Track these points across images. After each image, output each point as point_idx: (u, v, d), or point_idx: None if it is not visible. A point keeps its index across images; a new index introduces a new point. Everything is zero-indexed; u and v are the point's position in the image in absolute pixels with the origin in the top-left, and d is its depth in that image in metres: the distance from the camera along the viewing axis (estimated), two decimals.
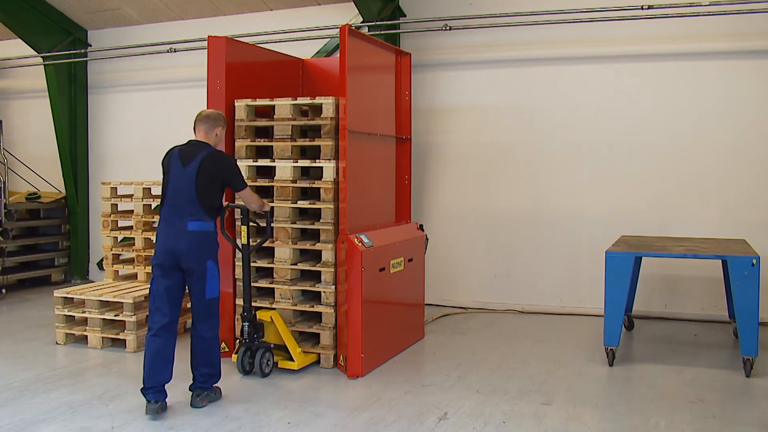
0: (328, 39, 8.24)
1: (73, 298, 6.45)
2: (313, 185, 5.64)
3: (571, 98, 7.54)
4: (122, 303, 6.22)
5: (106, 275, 7.26)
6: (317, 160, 5.61)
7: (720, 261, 6.36)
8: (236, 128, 5.81)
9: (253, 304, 5.48)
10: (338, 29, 6.19)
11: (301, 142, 5.68)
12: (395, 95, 6.54)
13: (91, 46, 9.93)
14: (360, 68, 5.78)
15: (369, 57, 6.07)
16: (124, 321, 6.19)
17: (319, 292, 5.63)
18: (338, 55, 5.79)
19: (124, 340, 6.20)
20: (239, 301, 5.71)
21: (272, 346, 5.42)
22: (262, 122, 5.82)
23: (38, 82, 9.98)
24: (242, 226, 5.28)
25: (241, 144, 5.82)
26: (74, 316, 6.45)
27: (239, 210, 5.42)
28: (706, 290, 7.12)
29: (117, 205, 7.29)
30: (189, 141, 4.77)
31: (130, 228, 7.15)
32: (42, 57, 9.55)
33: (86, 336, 6.33)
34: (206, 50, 5.74)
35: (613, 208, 7.41)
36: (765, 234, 6.84)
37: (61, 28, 9.63)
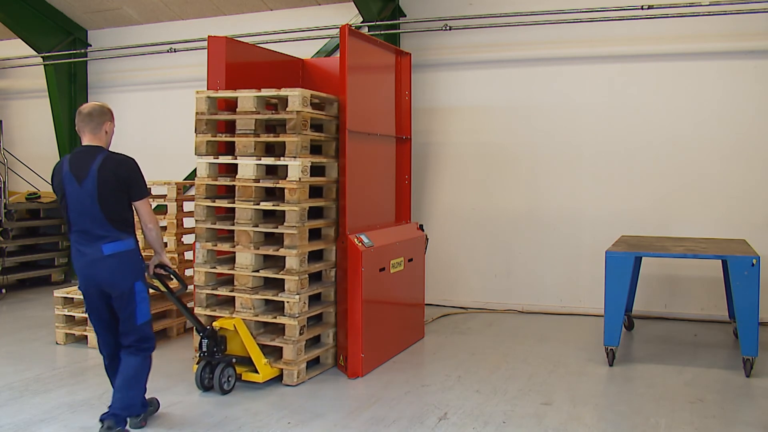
0: (328, 39, 8.24)
1: (73, 298, 6.45)
2: (277, 185, 5.17)
3: (571, 98, 7.54)
4: None
5: None
6: (281, 158, 5.15)
7: (720, 261, 6.36)
8: (196, 122, 5.36)
9: (212, 313, 5.27)
10: (338, 29, 6.19)
11: (265, 138, 5.20)
12: (395, 95, 6.54)
13: (91, 46, 9.93)
14: (360, 68, 5.78)
15: (369, 57, 6.07)
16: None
17: (283, 303, 5.18)
18: (338, 55, 5.79)
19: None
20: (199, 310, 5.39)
21: (234, 360, 5.04)
22: (224, 116, 5.37)
23: (38, 82, 9.98)
24: (153, 280, 4.58)
25: (201, 139, 5.35)
26: (74, 316, 6.45)
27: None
28: (706, 290, 7.12)
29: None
30: (76, 149, 4.14)
31: None
32: (42, 57, 9.55)
33: (86, 336, 6.33)
34: (206, 50, 5.74)
35: (613, 208, 7.41)
36: (765, 234, 6.84)
37: (61, 28, 9.64)
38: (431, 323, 7.12)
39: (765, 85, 6.90)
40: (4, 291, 8.71)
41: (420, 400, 4.88)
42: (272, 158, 5.20)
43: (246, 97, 5.23)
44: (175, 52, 8.99)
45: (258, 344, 5.12)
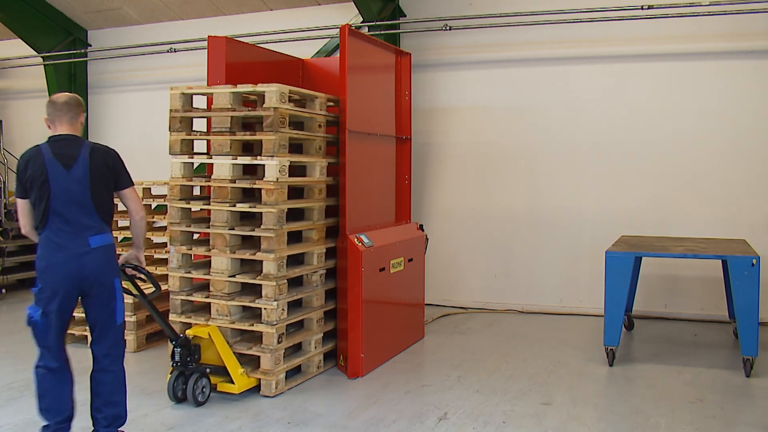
0: (328, 39, 8.24)
1: None
2: (254, 185, 4.92)
3: (571, 98, 7.54)
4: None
5: None
6: (259, 157, 4.89)
7: (720, 261, 6.36)
8: (170, 119, 5.13)
9: (187, 320, 5.07)
10: (338, 29, 6.19)
11: (241, 136, 4.95)
12: (395, 95, 6.54)
13: (91, 46, 9.93)
14: (360, 68, 5.78)
15: (369, 57, 6.07)
16: (124, 321, 6.17)
17: (261, 309, 4.93)
18: (338, 55, 5.79)
19: (124, 340, 6.17)
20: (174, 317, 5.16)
21: (208, 370, 4.80)
22: (198, 113, 5.14)
23: (38, 82, 9.98)
24: (128, 283, 4.37)
25: (175, 138, 5.11)
26: (74, 316, 6.44)
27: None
28: (706, 290, 7.12)
29: (117, 205, 7.26)
30: (53, 137, 3.88)
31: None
32: (42, 57, 9.56)
33: (86, 336, 6.33)
34: (206, 50, 5.74)
35: (613, 208, 7.41)
36: (765, 234, 6.84)
37: (61, 28, 9.64)
38: (431, 323, 7.12)
39: (765, 84, 6.90)
40: (4, 291, 8.71)
41: (420, 400, 4.88)
42: (249, 157, 4.95)
43: (221, 93, 4.98)
44: (175, 52, 8.99)
45: (235, 353, 4.90)
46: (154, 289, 4.51)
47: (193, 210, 5.39)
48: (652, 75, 7.26)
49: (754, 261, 5.21)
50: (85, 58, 9.76)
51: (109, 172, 3.92)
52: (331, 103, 5.68)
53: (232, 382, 4.79)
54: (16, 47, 9.91)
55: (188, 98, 5.17)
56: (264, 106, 4.90)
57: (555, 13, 7.27)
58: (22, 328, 7.06)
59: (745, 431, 4.33)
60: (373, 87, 6.20)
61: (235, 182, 4.96)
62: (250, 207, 4.92)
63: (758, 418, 4.52)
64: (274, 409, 4.67)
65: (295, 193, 5.36)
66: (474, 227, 7.98)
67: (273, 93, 4.85)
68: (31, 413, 4.61)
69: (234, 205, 4.96)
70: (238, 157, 4.96)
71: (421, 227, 6.68)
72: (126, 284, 4.28)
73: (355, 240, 5.40)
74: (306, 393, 5.03)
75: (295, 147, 5.34)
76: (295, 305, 5.28)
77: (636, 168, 7.33)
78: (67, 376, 3.88)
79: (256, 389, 4.92)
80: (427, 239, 6.67)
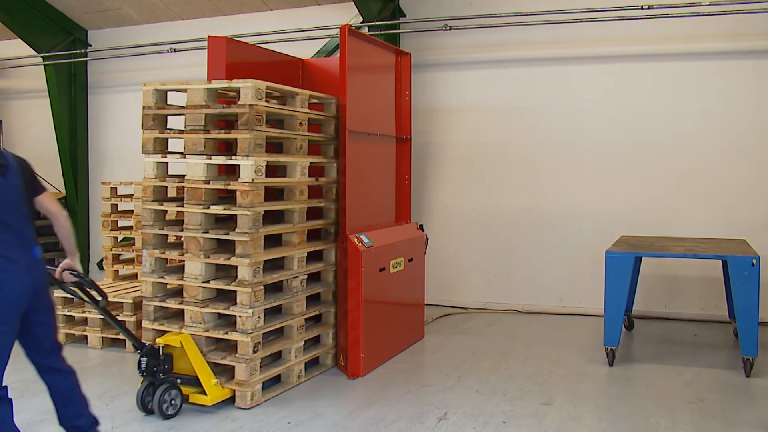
0: (328, 39, 8.24)
1: (72, 298, 6.44)
2: (228, 186, 4.70)
3: (571, 98, 7.54)
4: (122, 303, 6.21)
5: (106, 275, 7.25)
6: (233, 157, 4.68)
7: (720, 261, 6.36)
8: (143, 117, 4.94)
9: (160, 327, 4.87)
10: (338, 29, 6.19)
11: (215, 135, 4.74)
12: (395, 95, 6.54)
13: (91, 46, 9.93)
14: (360, 68, 5.78)
15: (369, 57, 6.07)
16: (124, 321, 6.18)
17: (236, 317, 4.72)
18: (338, 55, 5.79)
19: (124, 340, 6.20)
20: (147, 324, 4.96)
21: (179, 381, 4.58)
22: (172, 110, 4.95)
23: (38, 82, 9.98)
24: (74, 288, 4.13)
25: (148, 136, 4.90)
26: (74, 316, 6.45)
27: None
28: (706, 290, 7.11)
29: (117, 205, 7.28)
30: None
31: (130, 228, 7.15)
32: (42, 57, 9.55)
33: (86, 336, 6.33)
34: (206, 50, 5.73)
35: (613, 208, 7.41)
36: (765, 234, 6.84)
37: (61, 28, 9.64)
38: (431, 323, 7.12)
39: (764, 84, 6.90)
40: None
41: (420, 400, 4.88)
42: (223, 157, 4.75)
43: (195, 90, 4.77)
44: (175, 52, 8.99)
45: (209, 362, 4.69)
46: (99, 297, 4.20)
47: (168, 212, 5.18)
48: (652, 75, 7.26)
49: (754, 261, 5.21)
50: (85, 58, 9.76)
51: (30, 178, 3.70)
52: (315, 101, 5.53)
53: (206, 393, 4.58)
54: (16, 47, 9.91)
55: (162, 95, 4.98)
56: (239, 102, 4.67)
57: (555, 13, 7.27)
58: None
59: (745, 431, 4.33)
60: (373, 87, 6.20)
61: (209, 183, 4.73)
62: (224, 209, 4.70)
63: (758, 418, 4.52)
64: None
65: (278, 194, 5.20)
66: (474, 227, 7.98)
67: (248, 89, 4.62)
68: (31, 413, 4.62)
69: (208, 207, 4.73)
70: (213, 157, 4.74)
71: (421, 227, 6.68)
72: (76, 290, 4.05)
73: (355, 240, 5.40)
74: (306, 392, 5.02)
75: (278, 147, 5.22)
76: (275, 312, 5.11)
77: (636, 168, 7.33)
78: (10, 404, 3.62)
79: (231, 401, 4.72)
80: (427, 239, 6.67)
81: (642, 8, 6.94)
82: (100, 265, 9.55)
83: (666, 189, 7.25)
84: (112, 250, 7.20)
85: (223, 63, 5.68)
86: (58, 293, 6.47)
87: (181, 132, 4.84)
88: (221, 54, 5.69)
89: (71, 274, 3.83)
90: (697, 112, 7.13)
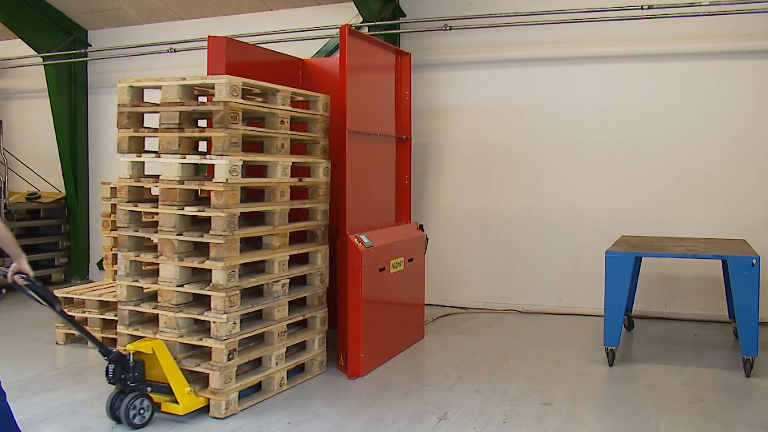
0: (328, 39, 8.24)
1: (73, 298, 6.45)
2: (202, 187, 4.54)
3: (571, 98, 7.54)
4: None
5: (106, 275, 7.25)
6: (207, 156, 4.52)
7: (720, 261, 6.36)
8: (118, 115, 4.78)
9: (135, 333, 4.71)
10: (338, 29, 6.19)
11: (189, 133, 4.57)
12: (395, 95, 6.54)
13: (91, 46, 9.93)
14: (360, 68, 5.78)
15: (369, 57, 6.07)
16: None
17: (210, 323, 4.52)
18: (338, 55, 5.79)
19: None
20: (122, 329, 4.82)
21: (149, 389, 4.41)
22: (146, 107, 4.76)
23: (38, 82, 9.98)
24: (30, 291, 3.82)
25: (122, 135, 4.75)
26: (74, 316, 6.44)
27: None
28: (706, 290, 7.12)
29: (117, 205, 7.27)
30: None
31: None
32: (42, 57, 9.55)
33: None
34: (206, 50, 5.73)
35: (613, 208, 7.41)
36: (765, 234, 6.84)
37: (61, 28, 9.64)
38: (431, 323, 7.12)
39: (764, 84, 6.90)
40: (4, 291, 8.71)
41: (420, 400, 4.88)
42: (197, 156, 4.58)
43: (169, 86, 4.60)
44: (175, 52, 8.99)
45: (183, 370, 4.51)
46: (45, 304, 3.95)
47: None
48: (652, 75, 7.26)
49: (754, 261, 5.21)
50: (85, 58, 9.76)
51: None
52: (301, 98, 5.35)
53: (178, 402, 4.40)
54: (16, 47, 9.91)
55: (137, 91, 4.80)
56: (213, 99, 4.50)
57: (555, 13, 7.27)
58: (22, 328, 7.10)
59: (745, 431, 4.33)
60: (373, 87, 6.20)
61: (183, 183, 4.56)
62: (198, 211, 4.53)
63: (758, 418, 4.52)
64: (274, 409, 4.65)
65: (263, 195, 5.02)
66: (474, 227, 7.98)
67: (223, 86, 4.45)
68: (30, 413, 4.62)
69: (182, 209, 4.56)
70: (187, 156, 4.57)
71: (421, 227, 6.68)
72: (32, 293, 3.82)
73: (355, 240, 5.40)
74: (306, 392, 5.02)
75: (262, 146, 5.06)
76: (256, 317, 4.96)
77: (636, 168, 7.34)
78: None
79: (206, 410, 4.53)
80: (427, 239, 6.67)
81: (642, 8, 6.94)
82: (100, 265, 9.56)
83: (666, 189, 7.25)
84: (112, 250, 7.19)
85: (223, 63, 5.68)
86: (58, 292, 6.48)
87: (155, 130, 4.69)
88: (221, 54, 5.69)
89: (21, 277, 3.67)
90: (697, 112, 7.13)
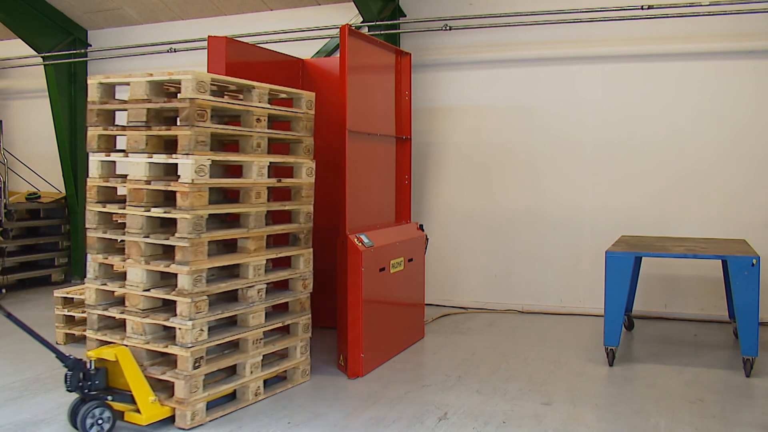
0: (328, 39, 8.24)
1: (73, 298, 6.45)
2: (168, 187, 4.33)
3: (571, 98, 7.54)
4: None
5: None
6: (174, 155, 4.31)
7: (720, 261, 6.36)
8: (88, 113, 4.63)
9: (103, 338, 4.55)
10: (338, 29, 6.19)
11: (156, 131, 4.39)
12: (395, 95, 6.54)
13: (91, 46, 9.93)
14: (360, 68, 5.78)
15: (369, 57, 6.07)
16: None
17: (176, 329, 4.32)
18: (338, 55, 5.79)
19: None
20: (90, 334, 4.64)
21: (109, 398, 4.24)
22: (115, 104, 4.61)
23: (38, 82, 9.98)
24: None
25: (92, 133, 4.60)
26: (74, 316, 6.45)
27: None
28: (706, 290, 7.12)
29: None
30: None
31: None
32: (42, 57, 9.55)
33: (86, 336, 6.32)
34: (206, 50, 5.74)
35: (614, 207, 7.41)
36: (765, 234, 6.84)
37: (61, 28, 9.64)
38: (431, 323, 7.12)
39: (764, 84, 6.91)
40: (4, 291, 8.71)
41: (420, 400, 4.88)
42: (164, 156, 4.38)
43: (137, 83, 4.44)
44: (175, 52, 8.99)
45: (150, 378, 4.34)
46: None
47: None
48: (651, 75, 7.26)
49: (754, 261, 5.22)
50: (85, 58, 9.76)
51: None
52: (284, 95, 5.16)
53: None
54: (16, 47, 9.91)
55: (107, 88, 4.65)
56: (179, 96, 4.30)
57: (555, 13, 7.27)
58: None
59: (745, 431, 4.33)
60: (373, 87, 6.20)
61: (150, 183, 4.39)
62: (164, 212, 4.33)
63: (758, 418, 4.52)
64: (274, 409, 4.65)
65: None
66: (474, 227, 7.98)
67: (189, 82, 4.24)
68: (30, 413, 4.62)
69: (149, 210, 4.38)
70: (154, 156, 4.39)
71: (421, 227, 6.68)
72: None
73: (355, 240, 5.40)
74: (307, 392, 5.02)
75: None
76: (231, 324, 4.77)
77: (636, 168, 7.34)
78: None
79: (171, 420, 4.34)
80: (427, 239, 6.67)
81: (642, 8, 6.94)
82: None
83: (666, 189, 7.25)
84: None
85: (223, 63, 5.69)
86: (58, 292, 6.48)
87: (124, 128, 4.52)
88: (221, 54, 5.70)
89: None
90: (697, 111, 7.13)
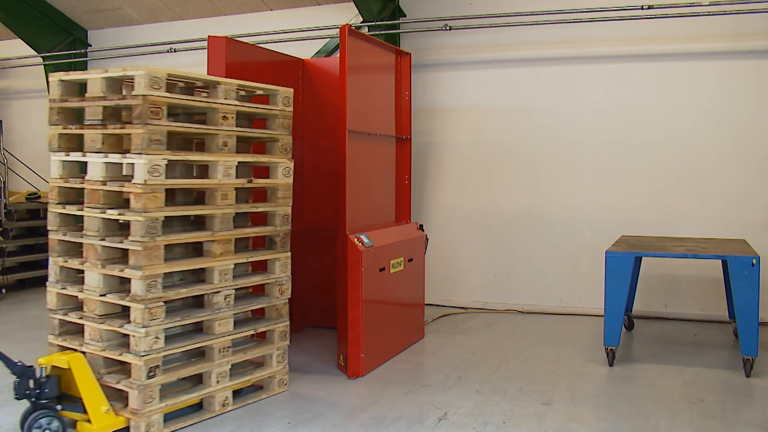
0: (328, 39, 8.25)
1: None
2: (122, 188, 4.13)
3: (571, 98, 7.54)
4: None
5: None
6: (127, 155, 4.12)
7: (720, 261, 6.36)
8: (49, 111, 4.49)
9: (64, 344, 4.39)
10: (338, 29, 6.19)
11: (111, 130, 4.20)
12: (395, 95, 6.54)
13: (91, 46, 9.93)
14: (360, 68, 5.78)
15: (369, 57, 6.07)
16: None
17: (130, 336, 4.10)
18: (338, 55, 5.79)
19: None
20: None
21: (58, 407, 4.07)
22: (73, 102, 4.44)
23: (38, 82, 9.99)
24: None
25: (53, 132, 4.44)
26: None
27: None
28: (706, 290, 7.12)
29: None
30: None
31: None
32: (42, 57, 9.55)
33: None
34: (206, 50, 5.74)
35: (614, 207, 7.41)
36: (765, 234, 6.84)
37: (61, 28, 9.64)
38: (431, 323, 7.12)
39: (764, 84, 6.91)
40: (4, 291, 8.71)
41: (420, 400, 4.88)
42: (119, 155, 4.19)
43: (93, 80, 4.27)
44: (175, 52, 9.00)
45: (106, 387, 4.17)
46: None
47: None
48: (651, 75, 7.26)
49: (754, 261, 5.22)
50: (85, 58, 9.76)
51: None
52: (260, 92, 4.95)
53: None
54: (16, 47, 9.92)
55: (68, 86, 4.47)
56: (132, 93, 4.10)
57: (555, 13, 7.27)
58: (22, 328, 7.09)
59: (745, 431, 4.33)
60: (373, 87, 6.20)
61: (106, 184, 4.20)
62: (119, 214, 4.14)
63: (758, 418, 4.52)
64: (274, 409, 4.64)
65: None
66: (474, 227, 7.98)
67: (141, 78, 4.02)
68: None
69: (104, 212, 4.21)
70: (109, 155, 4.20)
71: (421, 227, 6.68)
72: None
73: (355, 240, 5.40)
74: (307, 392, 5.01)
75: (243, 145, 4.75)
76: (197, 331, 4.55)
77: (636, 168, 7.34)
78: None
79: (127, 431, 4.15)
80: (427, 239, 6.67)
81: (642, 8, 6.94)
82: None
83: (666, 189, 7.25)
84: None
85: (223, 63, 5.69)
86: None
87: (82, 127, 4.36)
88: (221, 54, 5.70)
89: None
90: (697, 111, 7.13)
